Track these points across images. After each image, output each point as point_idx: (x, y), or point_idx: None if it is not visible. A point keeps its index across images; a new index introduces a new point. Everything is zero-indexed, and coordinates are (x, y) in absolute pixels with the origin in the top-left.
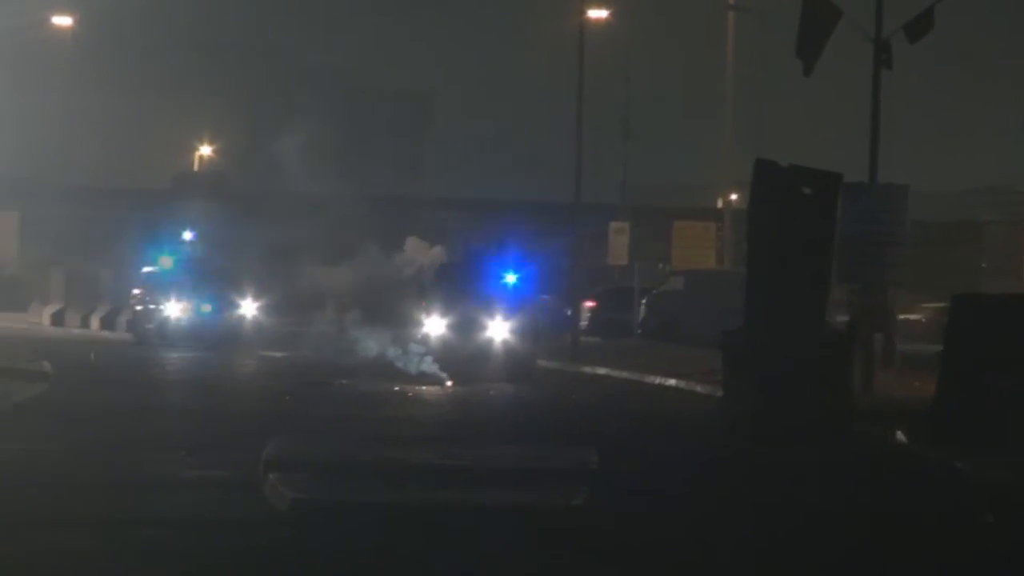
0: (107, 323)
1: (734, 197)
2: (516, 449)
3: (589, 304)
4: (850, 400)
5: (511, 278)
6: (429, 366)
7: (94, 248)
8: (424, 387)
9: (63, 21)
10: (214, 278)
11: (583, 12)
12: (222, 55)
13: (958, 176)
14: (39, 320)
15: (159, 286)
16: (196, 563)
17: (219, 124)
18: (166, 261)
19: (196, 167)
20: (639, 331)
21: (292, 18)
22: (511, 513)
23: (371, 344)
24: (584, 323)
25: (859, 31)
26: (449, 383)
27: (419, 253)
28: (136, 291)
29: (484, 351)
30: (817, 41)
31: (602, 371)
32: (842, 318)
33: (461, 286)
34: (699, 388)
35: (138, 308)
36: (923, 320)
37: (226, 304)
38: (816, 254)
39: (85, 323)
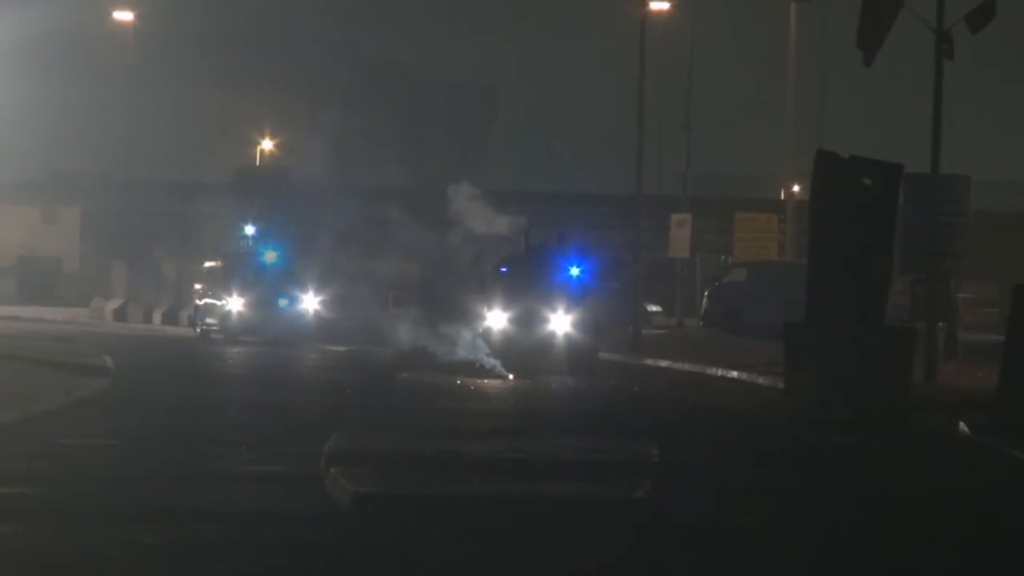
0: (169, 318)
1: (796, 189)
2: (578, 442)
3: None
4: (912, 391)
5: (573, 271)
6: (491, 359)
7: (156, 243)
8: (486, 380)
9: (124, 16)
10: (275, 272)
11: (645, 4)
12: (285, 48)
13: None
14: (101, 315)
15: (221, 280)
16: (259, 557)
17: (282, 118)
18: (271, 255)
19: (258, 161)
20: (700, 323)
21: (353, 10)
22: (574, 505)
23: (432, 337)
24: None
25: (920, 21)
26: (511, 376)
27: (475, 218)
28: (198, 286)
29: (546, 344)
30: (878, 32)
31: (664, 363)
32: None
33: (522, 279)
34: (761, 380)
35: (200, 303)
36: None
37: (288, 298)
38: (878, 245)
39: (147, 318)
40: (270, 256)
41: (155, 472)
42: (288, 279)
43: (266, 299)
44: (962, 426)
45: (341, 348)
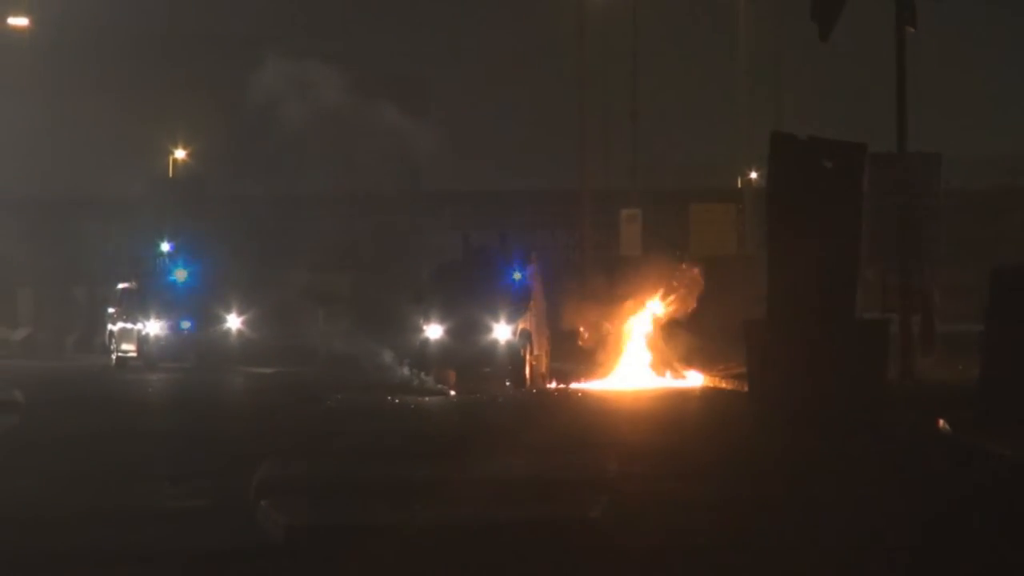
0: (82, 346)
1: (753, 175)
2: (528, 460)
3: None
4: (887, 388)
5: (517, 276)
6: (430, 375)
7: (64, 266)
8: (426, 398)
9: (19, 22)
10: (195, 291)
11: None
12: (194, 47)
13: (1012, 139)
14: (6, 346)
15: (136, 303)
16: None
17: (195, 124)
18: (181, 274)
19: (171, 173)
20: None
21: (268, 4)
22: (525, 529)
23: (367, 354)
24: None
25: None
26: (452, 392)
27: None
28: (111, 310)
29: (490, 356)
30: (834, 2)
31: None
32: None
33: (462, 287)
34: (724, 384)
35: (114, 328)
36: None
37: (209, 319)
38: (842, 232)
39: (58, 347)
40: (180, 275)
41: (73, 512)
42: (209, 298)
43: (185, 321)
44: (942, 423)
45: (268, 370)
